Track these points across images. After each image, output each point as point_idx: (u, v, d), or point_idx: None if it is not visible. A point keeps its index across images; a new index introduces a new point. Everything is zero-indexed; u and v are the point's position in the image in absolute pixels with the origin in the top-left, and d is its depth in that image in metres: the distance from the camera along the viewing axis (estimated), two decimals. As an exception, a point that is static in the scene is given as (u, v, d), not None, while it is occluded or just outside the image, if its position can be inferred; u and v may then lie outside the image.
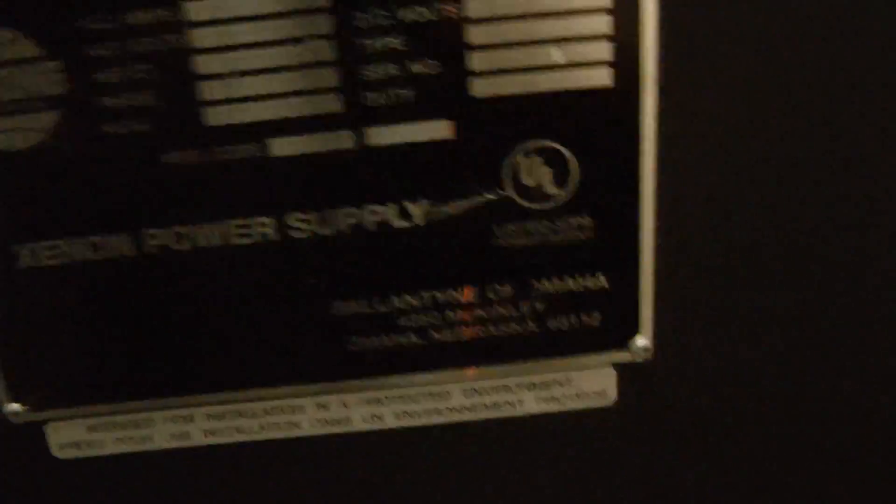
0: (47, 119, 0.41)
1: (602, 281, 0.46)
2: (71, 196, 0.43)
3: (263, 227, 0.44)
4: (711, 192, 0.45)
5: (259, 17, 0.40)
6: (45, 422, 0.48)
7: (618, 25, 0.41)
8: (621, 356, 0.47)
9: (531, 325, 0.47)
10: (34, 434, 0.48)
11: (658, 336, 0.47)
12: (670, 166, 0.44)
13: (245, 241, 0.44)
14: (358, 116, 0.42)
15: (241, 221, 0.44)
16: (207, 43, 0.40)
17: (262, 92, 0.41)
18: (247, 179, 0.43)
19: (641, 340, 0.47)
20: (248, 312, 0.46)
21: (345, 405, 0.49)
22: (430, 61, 0.41)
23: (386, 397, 0.49)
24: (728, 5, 0.42)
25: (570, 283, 0.46)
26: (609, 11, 0.41)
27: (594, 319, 0.47)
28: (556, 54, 0.41)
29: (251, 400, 0.48)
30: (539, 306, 0.46)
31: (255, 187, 0.43)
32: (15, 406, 0.47)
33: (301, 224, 0.44)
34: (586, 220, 0.45)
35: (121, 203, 0.43)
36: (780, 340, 0.49)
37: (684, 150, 0.44)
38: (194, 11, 0.40)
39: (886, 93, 0.44)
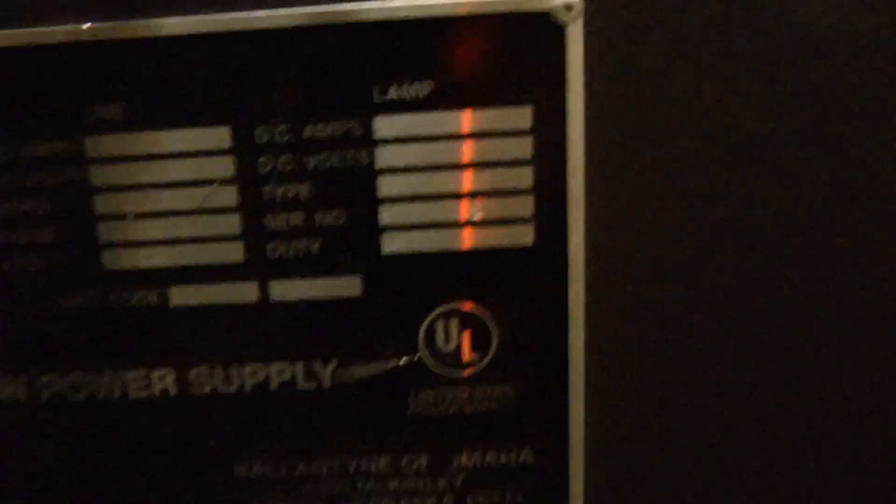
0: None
1: (527, 455, 0.42)
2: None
3: (162, 381, 0.41)
4: (644, 356, 0.42)
5: (160, 156, 0.39)
6: None
7: (541, 178, 0.38)
8: (548, 541, 0.43)
9: (448, 501, 0.43)
10: None
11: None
12: (601, 329, 0.41)
13: (143, 393, 0.42)
14: (261, 268, 0.39)
15: (140, 373, 0.41)
16: (107, 181, 0.39)
17: (163, 237, 0.39)
18: (147, 328, 0.41)
19: (572, 526, 0.43)
20: (146, 471, 0.43)
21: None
22: (337, 212, 0.39)
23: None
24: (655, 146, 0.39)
25: (492, 457, 0.42)
26: (531, 162, 0.38)
27: (518, 496, 0.43)
28: (475, 210, 0.39)
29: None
30: (457, 481, 0.42)
31: (156, 338, 0.41)
32: None
33: (202, 379, 0.41)
34: (508, 389, 0.41)
35: (16, 346, 0.41)
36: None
37: (615, 309, 0.41)
38: (94, 147, 0.38)
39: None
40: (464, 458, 0.42)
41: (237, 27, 0.37)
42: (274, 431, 0.42)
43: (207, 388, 0.41)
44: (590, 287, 0.40)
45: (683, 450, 0.43)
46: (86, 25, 0.37)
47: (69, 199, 0.39)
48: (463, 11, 0.37)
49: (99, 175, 0.39)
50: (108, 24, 0.38)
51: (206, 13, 0.37)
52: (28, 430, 0.42)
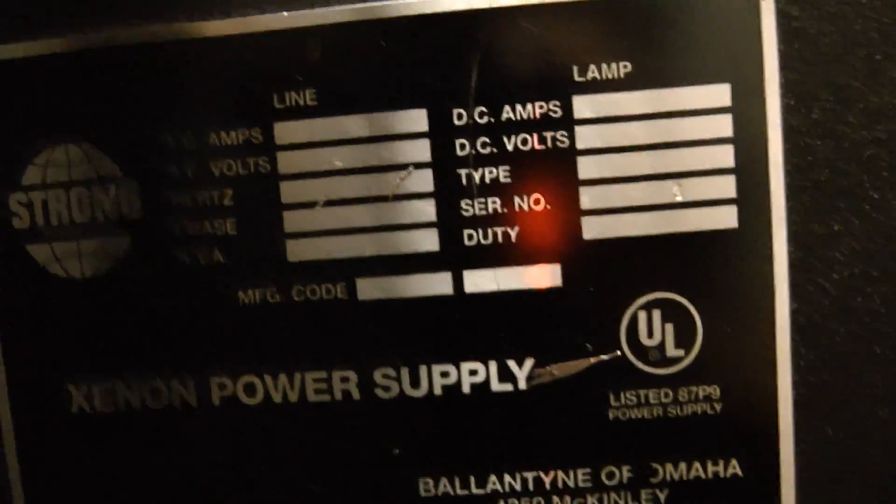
0: (118, 245, 0.38)
1: (734, 467, 0.39)
2: (135, 332, 0.39)
3: (345, 383, 0.39)
4: (858, 347, 0.38)
5: (357, 140, 0.38)
6: None
7: (742, 157, 0.37)
8: (761, 565, 0.39)
9: (653, 522, 0.40)
10: None
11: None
12: (808, 321, 0.38)
13: (324, 398, 0.39)
14: (456, 257, 0.38)
15: (320, 375, 0.39)
16: (297, 167, 0.38)
17: (351, 225, 0.38)
18: (329, 326, 0.38)
19: (787, 547, 0.39)
20: (321, 484, 0.40)
21: None
22: (536, 195, 0.38)
23: None
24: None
25: (698, 469, 0.38)
26: (732, 141, 0.36)
27: (727, 516, 0.39)
28: (676, 191, 0.37)
29: None
30: (662, 496, 0.39)
31: (338, 336, 0.38)
32: None
33: (388, 382, 0.39)
34: (714, 391, 0.38)
35: (188, 343, 0.39)
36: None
37: (822, 299, 0.38)
38: (286, 131, 0.37)
39: None
40: (668, 470, 0.39)
41: (433, 9, 0.37)
42: (463, 441, 0.39)
43: (392, 393, 0.39)
44: (793, 271, 0.38)
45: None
46: (286, 13, 0.38)
47: (256, 189, 0.38)
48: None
49: (288, 162, 0.38)
50: (300, 13, 0.38)
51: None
52: (198, 435, 0.40)
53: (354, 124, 0.37)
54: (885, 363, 0.38)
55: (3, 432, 0.40)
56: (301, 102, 0.37)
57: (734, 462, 0.38)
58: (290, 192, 0.38)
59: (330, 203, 0.37)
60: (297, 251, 0.38)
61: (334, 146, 0.37)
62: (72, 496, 0.41)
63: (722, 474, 0.38)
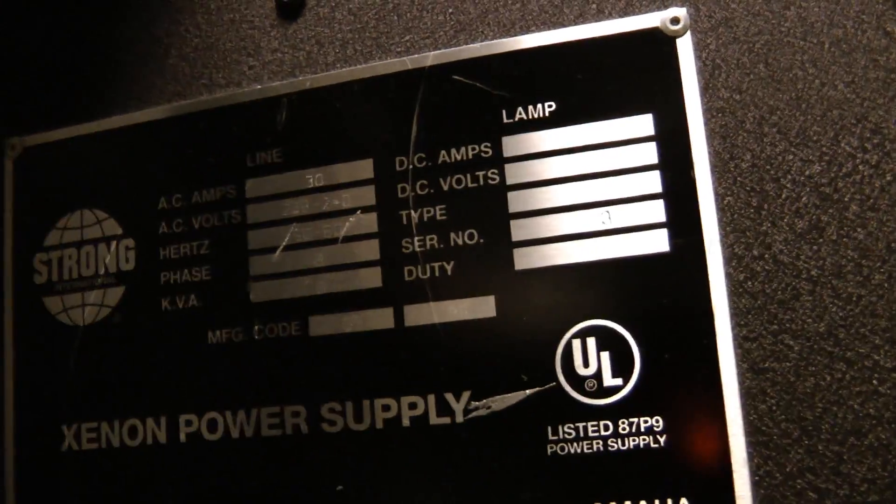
0: (113, 295, 0.43)
1: (686, 509, 0.35)
2: (120, 372, 0.43)
3: (296, 417, 0.40)
4: (814, 373, 0.35)
5: (313, 189, 0.41)
6: None
7: (669, 181, 0.37)
8: None
9: (597, 577, 0.36)
10: None
11: None
12: (753, 343, 0.36)
13: (276, 432, 0.40)
14: (397, 293, 0.39)
15: (274, 410, 0.40)
16: (263, 217, 0.42)
17: (308, 266, 0.41)
18: (284, 362, 0.40)
19: None
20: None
21: None
22: (470, 231, 0.39)
23: None
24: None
25: (646, 512, 0.36)
26: (658, 167, 0.37)
27: (681, 564, 0.35)
28: (606, 218, 0.37)
29: None
30: (608, 542, 0.36)
31: (292, 371, 0.40)
32: None
33: (334, 416, 0.39)
34: (656, 421, 0.36)
35: (164, 385, 0.42)
36: None
37: (766, 320, 0.36)
38: (256, 187, 0.42)
39: None
40: (612, 514, 0.36)
41: (374, 73, 0.41)
42: (402, 479, 0.38)
43: (338, 426, 0.39)
44: (733, 291, 0.36)
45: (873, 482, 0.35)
46: (258, 86, 0.43)
47: (228, 237, 0.42)
48: (583, 36, 0.39)
49: (255, 212, 0.42)
50: (273, 84, 0.43)
51: (354, 64, 0.42)
52: (167, 469, 0.42)
53: (312, 177, 0.41)
54: (834, 378, 0.35)
55: (5, 469, 0.44)
56: (269, 160, 0.42)
57: (683, 502, 0.35)
58: (255, 239, 0.42)
59: (288, 248, 0.41)
60: (260, 292, 0.41)
61: (294, 196, 0.41)
62: None
63: (673, 519, 0.35)
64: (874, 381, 0.35)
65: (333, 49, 0.43)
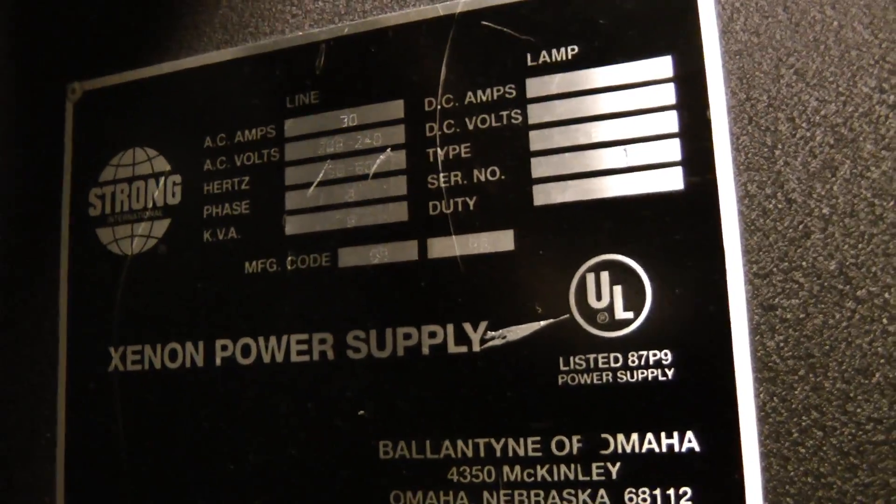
0: (160, 226, 0.46)
1: (691, 442, 0.36)
2: (164, 300, 0.46)
3: (323, 344, 0.42)
4: (814, 303, 0.35)
5: (348, 128, 0.43)
6: None
7: (686, 122, 0.37)
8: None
9: (603, 498, 0.37)
10: None
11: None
12: (762, 280, 0.36)
13: (304, 358, 0.42)
14: (422, 226, 0.41)
15: (303, 337, 0.42)
16: (300, 154, 0.44)
17: (340, 201, 0.43)
18: (313, 292, 0.43)
19: (751, 533, 0.34)
20: (296, 445, 0.42)
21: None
22: (493, 168, 0.40)
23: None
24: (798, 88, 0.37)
25: (651, 442, 0.36)
26: (676, 108, 0.38)
27: (684, 492, 0.35)
28: (624, 156, 0.38)
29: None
30: (614, 471, 0.37)
31: (320, 301, 0.42)
32: None
33: (358, 343, 0.41)
34: (665, 355, 0.36)
35: (203, 312, 0.45)
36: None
37: (778, 257, 0.36)
38: (294, 126, 0.44)
39: None
40: (620, 442, 0.37)
41: (407, 20, 0.43)
42: (421, 403, 0.40)
43: (362, 353, 0.41)
44: (746, 230, 0.37)
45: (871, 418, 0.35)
46: (300, 32, 0.46)
47: (266, 174, 0.44)
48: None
49: (293, 150, 0.44)
50: (311, 30, 0.45)
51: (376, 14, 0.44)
52: (202, 391, 0.44)
53: (346, 116, 0.43)
54: (843, 316, 0.36)
55: (58, 385, 0.48)
56: (307, 102, 0.44)
57: (689, 435, 0.36)
58: (292, 175, 0.44)
59: (322, 184, 0.43)
60: (294, 225, 0.43)
61: (329, 135, 0.43)
62: (103, 437, 0.47)
63: (677, 448, 0.36)
64: (884, 320, 0.35)
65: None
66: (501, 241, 0.40)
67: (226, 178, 0.45)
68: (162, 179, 0.47)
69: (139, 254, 0.47)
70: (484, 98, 0.41)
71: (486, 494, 0.39)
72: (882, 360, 0.35)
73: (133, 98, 0.49)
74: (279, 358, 0.43)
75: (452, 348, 0.40)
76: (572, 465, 0.38)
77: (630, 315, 0.38)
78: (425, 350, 0.40)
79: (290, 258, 0.43)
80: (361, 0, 0.45)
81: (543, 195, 0.39)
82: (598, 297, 0.38)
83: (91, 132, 0.50)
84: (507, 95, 0.41)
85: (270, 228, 0.44)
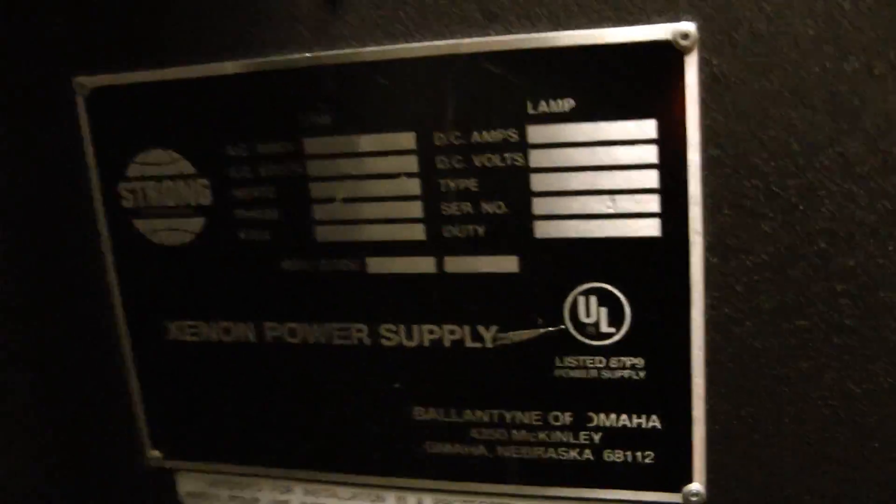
0: (195, 223, 0.52)
1: (655, 422, 0.48)
2: (210, 287, 0.53)
3: (359, 332, 0.51)
4: (763, 341, 0.46)
5: (364, 153, 0.48)
6: (175, 471, 0.58)
7: (665, 180, 0.45)
8: (673, 498, 0.49)
9: (587, 454, 0.50)
10: (167, 482, 0.59)
11: (711, 483, 0.48)
12: (719, 314, 0.46)
13: (344, 341, 0.52)
14: (438, 245, 0.49)
15: (342, 325, 0.52)
16: (321, 172, 0.49)
17: (364, 217, 0.49)
18: (348, 290, 0.51)
19: (695, 486, 0.48)
20: (343, 405, 0.53)
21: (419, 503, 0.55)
22: (498, 202, 0.47)
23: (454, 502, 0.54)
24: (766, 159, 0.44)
25: (625, 420, 0.49)
26: (656, 166, 0.45)
27: (647, 458, 0.49)
28: (610, 204, 0.46)
29: (341, 483, 0.55)
30: (596, 437, 0.49)
31: (354, 298, 0.51)
32: (155, 452, 0.58)
33: (390, 334, 0.51)
34: (639, 361, 0.47)
35: (248, 298, 0.53)
36: (835, 484, 0.48)
37: (731, 294, 0.46)
38: (313, 145, 0.49)
39: None
40: (601, 419, 0.49)
41: (421, 54, 0.47)
42: (445, 381, 0.51)
43: (394, 342, 0.51)
44: (707, 273, 0.46)
45: (792, 415, 0.47)
46: (308, 54, 0.48)
47: (291, 187, 0.50)
48: (601, 41, 0.44)
49: (314, 167, 0.49)
50: (323, 53, 0.48)
51: (396, 43, 0.47)
52: (256, 363, 0.54)
53: (363, 141, 0.48)
54: (779, 352, 0.46)
55: (125, 351, 0.57)
56: (322, 123, 0.48)
57: (654, 417, 0.48)
58: (316, 190, 0.50)
59: (346, 200, 0.49)
60: (323, 234, 0.50)
61: (349, 158, 0.49)
62: (168, 394, 0.57)
63: (644, 425, 0.48)
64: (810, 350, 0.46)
65: (380, 28, 0.47)
66: (507, 264, 0.48)
67: (252, 186, 0.51)
68: (190, 182, 0.51)
69: (179, 245, 0.53)
70: (489, 138, 0.46)
71: (499, 448, 0.51)
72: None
73: (148, 99, 0.51)
74: (322, 340, 0.52)
75: (469, 343, 0.50)
76: (565, 433, 0.50)
77: (612, 330, 0.47)
78: (447, 343, 0.50)
79: (322, 261, 0.50)
80: (371, 30, 0.47)
81: (543, 229, 0.47)
82: (588, 315, 0.48)
83: (107, 128, 0.53)
84: (510, 139, 0.46)
85: (301, 234, 0.50)
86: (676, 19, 0.43)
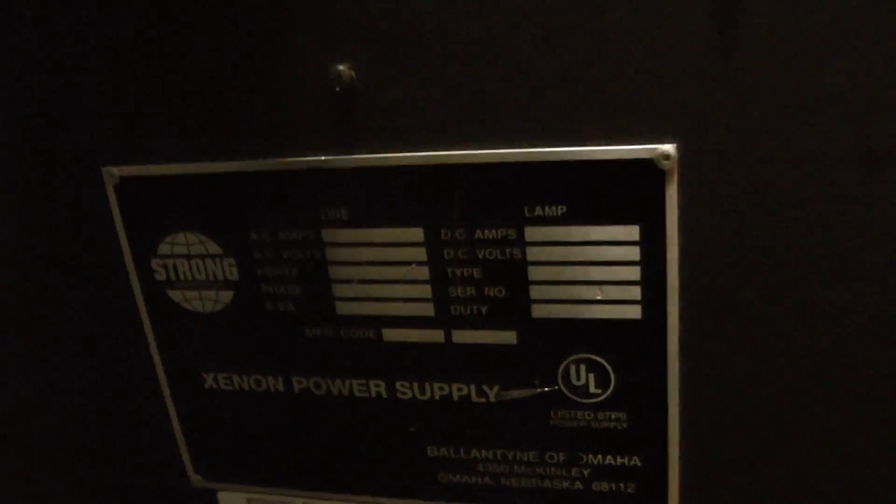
0: (225, 295, 0.58)
1: (636, 461, 0.56)
2: (242, 347, 0.60)
3: (377, 387, 0.59)
4: (731, 403, 0.53)
5: (378, 244, 0.54)
6: (215, 490, 0.66)
7: (645, 274, 0.51)
8: (652, 523, 0.58)
9: (579, 485, 0.58)
10: (210, 499, 0.67)
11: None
12: (692, 381, 0.53)
13: (364, 394, 0.59)
14: (446, 321, 0.55)
15: (361, 381, 0.59)
16: (339, 258, 0.55)
17: (379, 296, 0.55)
18: (366, 354, 0.58)
19: (670, 513, 0.57)
20: (367, 445, 0.61)
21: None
22: (500, 288, 0.53)
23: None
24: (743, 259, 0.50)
25: (611, 460, 0.57)
26: (638, 263, 0.50)
27: (630, 489, 0.57)
28: (598, 293, 0.52)
29: None
30: (586, 472, 0.57)
31: (372, 360, 0.58)
32: (196, 476, 0.66)
33: (404, 389, 0.58)
34: (622, 415, 0.55)
35: (276, 357, 0.60)
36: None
37: (705, 371, 0.53)
38: (330, 235, 0.55)
39: None
40: (590, 459, 0.57)
41: (430, 162, 0.51)
42: (455, 427, 0.59)
43: (408, 396, 0.58)
44: (682, 350, 0.53)
45: (756, 455, 0.55)
46: (323, 157, 0.53)
47: (312, 268, 0.56)
48: (590, 157, 0.49)
49: (333, 253, 0.55)
50: (338, 157, 0.53)
51: (408, 151, 0.52)
52: (284, 408, 0.61)
53: (376, 232, 0.54)
54: (746, 407, 0.53)
55: (166, 399, 0.64)
56: (340, 217, 0.54)
57: (636, 458, 0.56)
58: (335, 272, 0.55)
59: (362, 282, 0.55)
60: (343, 308, 0.56)
61: (364, 246, 0.54)
62: (206, 434, 0.64)
63: (628, 464, 0.56)
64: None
65: (384, 133, 0.52)
66: (507, 338, 0.54)
67: (276, 267, 0.56)
68: (218, 260, 0.57)
69: (211, 313, 0.58)
70: (490, 235, 0.52)
71: (502, 479, 0.59)
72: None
73: (174, 188, 0.56)
74: (345, 392, 0.59)
75: (475, 398, 0.57)
76: (560, 469, 0.58)
77: (600, 391, 0.55)
78: (455, 398, 0.57)
79: (342, 330, 0.57)
80: (379, 135, 0.52)
81: (539, 310, 0.53)
82: (578, 378, 0.55)
83: (136, 212, 0.58)
84: (509, 237, 0.52)
85: (323, 308, 0.57)
86: (660, 141, 0.48)
